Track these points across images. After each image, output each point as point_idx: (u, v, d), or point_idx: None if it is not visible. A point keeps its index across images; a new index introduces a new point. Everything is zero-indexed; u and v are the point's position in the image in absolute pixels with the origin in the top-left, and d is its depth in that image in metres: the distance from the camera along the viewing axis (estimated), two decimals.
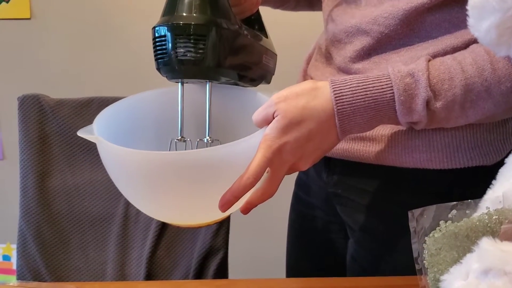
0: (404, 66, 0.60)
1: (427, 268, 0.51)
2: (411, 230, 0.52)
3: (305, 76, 0.86)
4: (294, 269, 0.98)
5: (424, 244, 0.52)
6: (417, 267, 0.52)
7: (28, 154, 1.01)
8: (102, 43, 1.90)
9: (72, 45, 1.91)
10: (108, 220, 1.04)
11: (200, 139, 0.70)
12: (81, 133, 0.64)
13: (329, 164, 0.78)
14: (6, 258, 1.99)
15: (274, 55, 0.77)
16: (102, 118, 0.67)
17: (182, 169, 0.58)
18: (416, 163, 0.68)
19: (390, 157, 0.70)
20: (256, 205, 0.61)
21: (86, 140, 1.03)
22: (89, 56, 1.91)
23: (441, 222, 0.51)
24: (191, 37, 0.61)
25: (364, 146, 0.72)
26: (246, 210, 0.61)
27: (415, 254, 0.52)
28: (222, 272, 1.03)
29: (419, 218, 0.52)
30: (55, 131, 1.02)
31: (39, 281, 1.01)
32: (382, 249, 0.75)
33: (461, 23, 0.59)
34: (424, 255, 0.51)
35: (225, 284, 0.69)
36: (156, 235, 1.02)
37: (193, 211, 0.65)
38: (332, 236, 0.88)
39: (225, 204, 0.58)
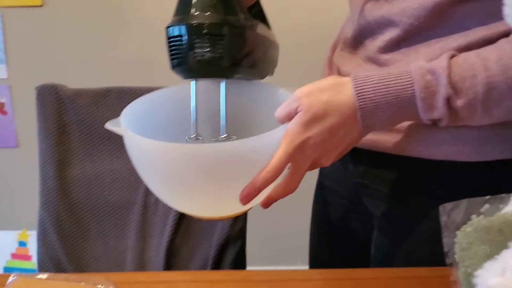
0: (426, 62, 0.59)
1: (458, 263, 0.51)
2: (442, 224, 0.52)
3: (331, 65, 0.86)
4: (317, 258, 0.98)
5: (455, 238, 0.51)
6: (447, 261, 0.52)
7: (47, 144, 1.01)
8: (116, 30, 1.89)
9: (85, 32, 1.90)
10: (127, 209, 1.05)
11: (215, 139, 0.69)
12: (108, 126, 0.65)
13: (356, 154, 0.78)
14: (22, 244, 2.02)
15: (277, 46, 0.77)
16: (129, 112, 0.67)
17: (204, 161, 0.57)
18: (444, 155, 0.67)
19: (418, 149, 0.69)
20: (277, 200, 0.61)
21: (105, 129, 1.03)
22: (103, 43, 1.90)
23: (473, 217, 0.51)
24: (209, 36, 0.60)
25: (391, 138, 0.71)
26: (266, 204, 0.61)
27: (446, 248, 0.52)
28: (240, 261, 1.04)
29: (451, 212, 0.51)
30: (73, 121, 1.02)
31: (59, 269, 1.02)
32: (409, 240, 0.75)
33: (495, 13, 0.57)
34: (455, 249, 0.51)
35: (248, 275, 0.69)
36: (175, 224, 1.03)
37: (215, 204, 0.65)
38: (356, 225, 0.88)
39: (245, 197, 0.58)
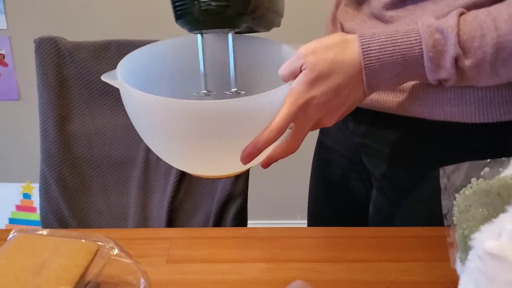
0: (435, 20, 0.57)
1: (456, 225, 0.51)
2: (442, 186, 0.52)
3: (334, 21, 0.83)
4: (316, 215, 0.99)
5: (454, 201, 0.51)
6: (445, 223, 0.52)
7: (47, 98, 1.00)
8: None
9: None
10: (129, 165, 1.05)
11: (226, 92, 0.68)
12: (104, 78, 0.63)
13: (357, 113, 0.77)
14: (27, 196, 2.04)
15: None
16: (126, 64, 0.66)
17: (205, 119, 0.57)
18: (447, 116, 0.66)
19: (420, 110, 0.68)
20: (277, 160, 0.61)
21: (105, 84, 1.02)
22: None
23: (473, 180, 0.51)
24: None
25: (394, 97, 0.70)
26: (266, 164, 0.61)
27: (444, 211, 0.52)
28: (241, 217, 1.05)
29: (451, 175, 0.51)
30: (73, 74, 1.01)
31: (62, 223, 1.03)
32: (407, 200, 0.75)
33: None
34: (453, 211, 0.51)
35: (247, 232, 0.70)
36: (177, 180, 1.03)
37: (215, 163, 0.65)
38: (355, 184, 0.88)
39: (247, 157, 0.58)
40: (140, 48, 0.70)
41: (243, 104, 0.57)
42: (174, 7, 0.61)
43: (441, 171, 0.52)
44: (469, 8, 0.59)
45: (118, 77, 0.62)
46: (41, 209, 1.04)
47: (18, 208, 2.04)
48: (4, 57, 1.89)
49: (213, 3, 0.58)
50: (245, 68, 0.72)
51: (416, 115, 0.69)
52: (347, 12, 0.77)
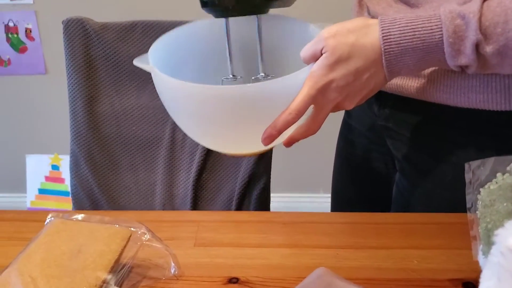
0: (458, 6, 0.56)
1: (479, 219, 0.52)
2: (467, 181, 0.52)
3: (361, 2, 0.83)
4: (339, 195, 1.01)
5: (478, 195, 0.52)
6: (469, 217, 0.53)
7: (76, 79, 1.03)
8: None
9: None
10: (156, 144, 1.07)
11: (254, 77, 0.69)
12: (136, 62, 0.65)
13: (381, 97, 0.77)
14: (55, 167, 2.10)
15: None
16: (157, 48, 0.67)
17: (229, 103, 0.58)
18: (472, 103, 0.66)
19: (445, 96, 0.68)
20: (299, 140, 0.62)
21: (131, 65, 1.04)
22: None
23: (498, 174, 0.51)
24: None
25: (417, 83, 0.70)
26: (288, 144, 0.63)
27: (468, 205, 0.53)
28: (264, 195, 1.07)
29: (476, 169, 0.51)
30: (100, 55, 1.03)
31: (92, 200, 1.07)
32: (429, 184, 0.76)
33: None
34: (477, 205, 0.52)
35: (272, 217, 0.71)
36: (202, 159, 1.05)
37: (241, 142, 0.67)
38: (379, 165, 0.89)
39: (267, 138, 0.60)
40: (171, 31, 0.71)
41: (264, 88, 0.58)
42: None
43: (466, 166, 0.52)
44: None
45: (150, 61, 0.64)
46: (71, 186, 1.08)
47: (47, 179, 2.11)
48: (31, 31, 1.92)
49: None
50: (273, 48, 0.73)
51: (440, 101, 0.69)
52: None
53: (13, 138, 2.09)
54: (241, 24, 0.70)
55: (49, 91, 2.01)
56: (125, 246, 0.55)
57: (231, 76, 0.70)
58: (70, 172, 1.07)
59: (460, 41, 0.56)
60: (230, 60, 0.69)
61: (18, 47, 1.94)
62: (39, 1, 1.88)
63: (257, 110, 0.60)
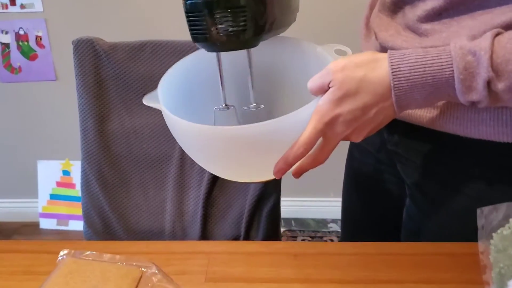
0: (468, 42, 0.55)
1: (492, 264, 0.51)
2: (479, 226, 0.52)
3: (368, 24, 0.82)
4: (349, 214, 1.01)
5: (491, 240, 0.52)
6: (481, 262, 0.52)
7: (86, 99, 1.03)
8: None
9: None
10: (166, 162, 1.08)
11: (245, 107, 0.69)
12: (146, 101, 0.66)
13: (390, 123, 0.77)
14: (66, 173, 2.12)
15: None
16: (165, 82, 0.68)
17: (238, 142, 0.59)
18: (482, 135, 0.66)
19: (454, 127, 0.68)
20: (307, 170, 0.63)
21: (141, 84, 1.05)
22: None
23: (511, 220, 0.51)
24: (230, 10, 0.58)
25: (427, 113, 0.70)
26: (297, 174, 0.63)
27: (480, 249, 0.52)
28: (275, 213, 1.07)
29: (488, 215, 0.51)
30: (110, 75, 1.03)
31: (103, 218, 1.08)
32: (439, 213, 0.76)
33: None
34: (490, 251, 0.51)
35: (283, 247, 0.72)
36: (212, 176, 1.06)
37: (248, 174, 0.68)
38: (390, 187, 0.88)
39: (279, 172, 0.61)
40: (178, 63, 0.72)
41: (271, 127, 0.58)
42: (191, 31, 0.61)
43: (478, 211, 0.52)
44: (508, 27, 0.57)
45: (159, 97, 0.65)
46: (83, 205, 1.09)
47: (59, 184, 2.13)
48: (41, 39, 1.93)
49: (230, 28, 0.59)
50: (281, 69, 0.73)
51: (450, 132, 0.68)
52: (381, 19, 0.76)
53: (24, 144, 2.11)
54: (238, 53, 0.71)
55: (59, 97, 2.02)
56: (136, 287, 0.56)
57: (223, 105, 0.71)
58: (81, 191, 1.08)
59: (472, 78, 0.55)
60: (222, 89, 0.69)
61: (29, 54, 1.95)
62: (49, 9, 1.89)
63: (266, 146, 0.60)
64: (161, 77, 0.69)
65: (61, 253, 0.60)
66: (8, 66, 1.97)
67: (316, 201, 2.19)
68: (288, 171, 0.63)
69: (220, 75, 0.67)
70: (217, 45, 0.60)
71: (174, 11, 1.84)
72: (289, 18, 0.68)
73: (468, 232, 0.74)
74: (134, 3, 1.85)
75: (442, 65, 0.56)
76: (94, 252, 0.60)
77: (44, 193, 2.14)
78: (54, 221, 2.14)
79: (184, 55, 0.74)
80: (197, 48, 0.71)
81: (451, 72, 0.55)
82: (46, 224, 2.15)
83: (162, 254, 0.69)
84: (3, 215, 2.21)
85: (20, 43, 1.93)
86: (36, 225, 2.15)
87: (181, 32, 1.78)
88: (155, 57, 1.02)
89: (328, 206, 2.17)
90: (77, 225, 2.10)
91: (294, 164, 0.60)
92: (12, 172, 2.16)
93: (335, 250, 0.71)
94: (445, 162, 0.73)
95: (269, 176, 0.64)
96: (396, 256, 0.70)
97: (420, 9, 0.66)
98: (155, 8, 1.85)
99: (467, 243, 0.68)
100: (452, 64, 0.55)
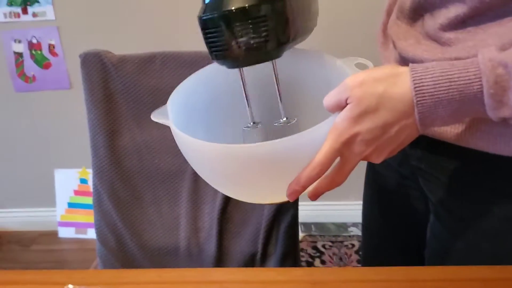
0: (497, 53, 0.50)
1: None
2: None
3: (385, 31, 0.77)
4: (369, 228, 0.96)
5: None
6: None
7: (96, 114, 1.00)
8: None
9: None
10: (179, 176, 1.04)
11: (276, 122, 0.65)
12: (154, 117, 0.62)
13: None
14: (83, 181, 2.11)
15: None
16: (176, 97, 0.64)
17: (249, 162, 0.55)
18: None
19: (482, 143, 0.63)
20: (324, 193, 0.58)
21: (152, 97, 1.01)
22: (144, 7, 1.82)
23: None
24: (251, 21, 0.53)
25: (453, 128, 0.65)
26: (313, 197, 0.58)
27: None
28: (293, 229, 1.03)
29: None
30: (119, 89, 1.00)
31: (117, 235, 1.05)
32: (467, 233, 0.71)
33: None
34: None
35: (302, 274, 0.67)
36: None
37: (260, 195, 0.64)
38: (411, 201, 0.84)
39: (292, 194, 0.57)
40: (189, 77, 0.68)
41: (286, 144, 0.54)
42: (210, 48, 0.57)
43: None
44: None
45: (169, 113, 0.61)
46: (95, 221, 1.06)
47: (76, 192, 2.12)
48: (54, 47, 1.92)
49: (252, 41, 0.54)
50: (299, 83, 0.69)
51: (478, 149, 0.63)
52: (399, 27, 0.71)
53: (41, 154, 2.11)
54: (261, 65, 0.66)
55: (74, 105, 2.01)
56: None
57: (251, 123, 0.67)
58: (94, 208, 1.05)
59: (503, 92, 0.50)
60: (249, 106, 0.65)
61: (42, 63, 1.94)
62: (61, 17, 1.87)
63: (278, 166, 0.56)
64: (172, 89, 0.65)
65: None
66: (22, 75, 1.96)
67: (336, 204, 2.14)
68: (303, 193, 0.59)
69: (245, 91, 0.63)
70: (240, 60, 0.56)
71: (186, 21, 1.80)
72: (311, 23, 0.63)
73: (501, 254, 0.69)
74: (146, 7, 1.83)
75: (469, 79, 0.51)
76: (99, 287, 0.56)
77: (62, 202, 2.13)
78: (72, 229, 2.14)
79: (194, 66, 0.70)
80: (211, 61, 0.68)
81: (479, 86, 0.50)
82: (65, 232, 2.14)
83: (174, 283, 0.66)
84: (21, 224, 2.21)
85: (33, 52, 1.92)
86: (54, 234, 2.15)
87: (192, 42, 1.75)
88: (165, 69, 0.99)
89: (349, 210, 2.12)
90: None
91: (308, 186, 0.55)
92: (30, 181, 2.16)
93: (357, 276, 0.67)
94: (473, 180, 0.68)
95: (283, 198, 0.60)
96: (423, 283, 0.65)
97: (443, 17, 0.61)
98: (167, 15, 1.82)
99: (501, 267, 0.63)
100: (481, 77, 0.50)
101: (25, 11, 1.86)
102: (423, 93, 0.52)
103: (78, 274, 0.67)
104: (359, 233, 2.08)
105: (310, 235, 2.08)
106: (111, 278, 0.66)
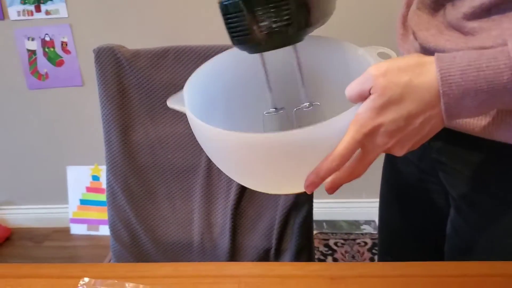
0: None
1: None
2: None
3: (405, 23, 0.76)
4: (386, 224, 0.95)
5: None
6: None
7: (109, 109, 1.00)
8: None
9: None
10: (192, 172, 1.04)
11: (297, 108, 0.64)
12: (170, 103, 0.61)
13: None
14: (95, 178, 2.11)
15: None
16: (193, 83, 0.63)
17: (268, 151, 0.53)
18: None
19: (508, 135, 0.61)
20: (342, 185, 0.57)
21: (165, 92, 1.00)
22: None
23: None
24: (272, 4, 0.52)
25: (476, 120, 0.63)
26: (331, 189, 0.57)
27: None
28: (307, 224, 1.02)
29: None
30: (133, 84, 0.99)
31: (130, 230, 1.05)
32: (490, 228, 0.69)
33: None
34: None
35: (319, 269, 0.66)
36: (240, 186, 1.01)
37: (278, 185, 0.63)
38: (430, 196, 0.82)
39: (310, 185, 0.55)
40: (207, 62, 0.67)
41: (305, 135, 0.52)
42: (231, 34, 0.56)
43: None
44: None
45: (185, 99, 0.60)
46: (109, 217, 1.06)
47: (88, 189, 2.12)
48: (66, 44, 1.92)
49: (274, 25, 0.53)
50: (319, 72, 0.67)
51: (503, 141, 0.62)
52: (419, 18, 0.69)
53: (53, 150, 2.12)
54: (280, 51, 0.65)
55: (86, 102, 2.01)
56: None
57: (273, 109, 0.65)
58: (107, 203, 1.05)
59: None
60: (270, 92, 0.64)
61: (55, 60, 1.94)
62: (73, 14, 1.88)
63: (297, 156, 0.55)
64: (185, 84, 0.64)
65: (81, 282, 0.56)
66: (35, 73, 1.97)
67: (348, 202, 2.12)
68: (320, 185, 0.57)
69: (266, 76, 0.62)
70: (261, 44, 0.55)
71: (198, 16, 1.80)
72: (330, 6, 0.62)
73: None
74: (158, 3, 1.82)
75: (499, 69, 0.49)
76: (116, 281, 0.56)
77: (74, 199, 2.14)
78: (84, 226, 2.14)
79: (208, 60, 0.69)
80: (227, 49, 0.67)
81: (509, 76, 0.49)
82: (77, 229, 2.15)
83: (190, 277, 0.65)
84: (34, 221, 2.22)
85: (46, 49, 1.93)
86: (67, 230, 2.16)
87: (204, 36, 1.74)
88: (179, 64, 0.98)
89: (361, 207, 2.11)
90: (108, 230, 2.10)
91: (326, 177, 0.54)
92: (42, 178, 2.17)
93: (375, 271, 0.66)
94: (497, 173, 0.66)
95: (299, 189, 0.58)
96: (444, 279, 0.63)
97: (466, 6, 0.59)
98: (179, 11, 1.81)
99: None
100: (511, 67, 0.49)
101: (38, 9, 1.86)
102: (450, 83, 0.50)
103: (94, 267, 0.66)
104: (372, 231, 2.06)
105: (322, 233, 2.07)
106: (127, 271, 0.66)
